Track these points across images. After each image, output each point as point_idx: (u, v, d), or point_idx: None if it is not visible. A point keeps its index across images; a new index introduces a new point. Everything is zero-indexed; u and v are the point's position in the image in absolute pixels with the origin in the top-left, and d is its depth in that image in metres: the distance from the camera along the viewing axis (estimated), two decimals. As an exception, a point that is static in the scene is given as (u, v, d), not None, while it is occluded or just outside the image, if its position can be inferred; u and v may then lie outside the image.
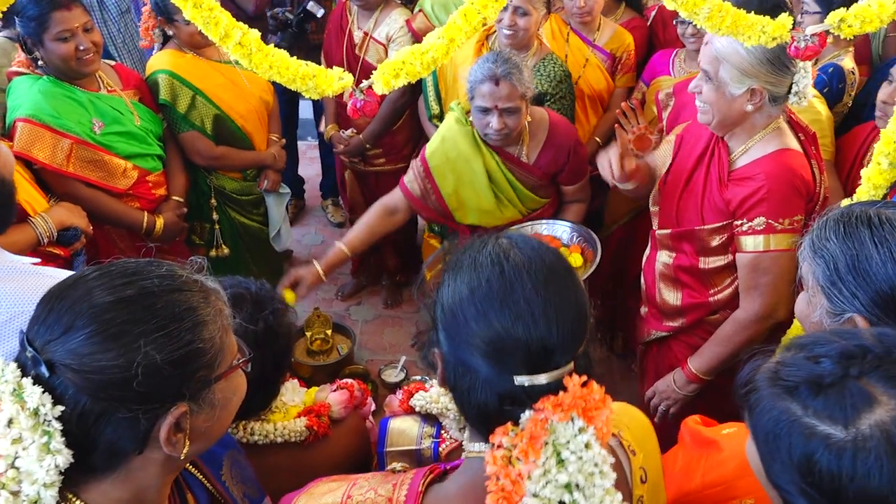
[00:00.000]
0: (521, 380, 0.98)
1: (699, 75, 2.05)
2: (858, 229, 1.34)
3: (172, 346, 0.98)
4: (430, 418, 1.82)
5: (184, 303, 1.02)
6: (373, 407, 1.96)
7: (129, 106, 2.81)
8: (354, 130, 3.58)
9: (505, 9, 2.70)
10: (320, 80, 1.66)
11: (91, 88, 2.71)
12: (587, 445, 0.96)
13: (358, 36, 3.41)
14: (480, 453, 1.03)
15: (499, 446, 0.96)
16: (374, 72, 1.69)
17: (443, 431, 1.79)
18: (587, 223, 2.78)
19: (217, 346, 1.04)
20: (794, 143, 2.07)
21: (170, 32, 3.03)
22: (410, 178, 2.76)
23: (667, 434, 1.71)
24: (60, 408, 0.95)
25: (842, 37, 1.71)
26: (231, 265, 3.36)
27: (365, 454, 1.82)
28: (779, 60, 1.89)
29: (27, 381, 0.95)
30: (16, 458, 0.93)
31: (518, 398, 0.98)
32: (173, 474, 1.11)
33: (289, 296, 2.43)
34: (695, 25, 1.67)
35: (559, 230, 2.67)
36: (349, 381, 1.87)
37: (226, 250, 3.37)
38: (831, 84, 2.78)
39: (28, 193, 2.43)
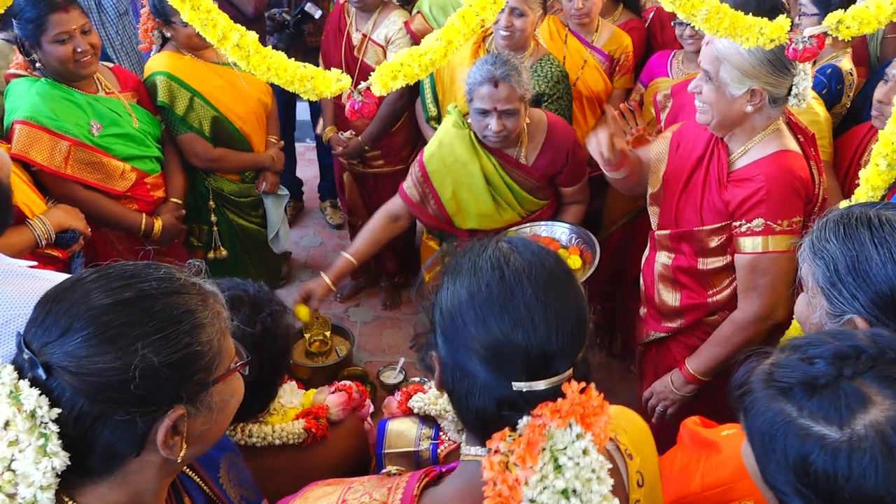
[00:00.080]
0: (520, 386, 0.97)
1: (699, 75, 2.05)
2: (858, 230, 1.34)
3: (170, 348, 0.98)
4: (428, 420, 1.82)
5: (182, 305, 1.02)
6: (371, 409, 1.95)
7: (127, 108, 2.81)
8: (353, 132, 3.58)
9: (501, 10, 2.71)
10: (318, 82, 1.66)
11: (89, 90, 2.71)
12: (585, 451, 0.96)
13: (356, 38, 3.41)
14: (477, 457, 1.03)
15: (496, 452, 0.96)
16: (372, 73, 1.69)
17: (441, 433, 1.78)
18: (586, 224, 2.78)
19: (215, 349, 1.04)
20: (793, 145, 2.07)
21: (168, 34, 3.03)
22: (409, 184, 2.77)
23: (665, 435, 1.71)
24: (57, 410, 0.95)
25: (840, 38, 1.71)
26: (229, 267, 3.36)
27: (363, 456, 1.81)
28: (779, 62, 1.90)
29: (24, 384, 0.95)
30: (12, 460, 0.93)
31: (516, 404, 0.98)
32: (170, 477, 1.11)
33: (302, 311, 2.47)
34: (693, 27, 1.67)
35: (558, 232, 2.67)
36: (347, 382, 1.87)
37: (224, 252, 3.37)
38: (830, 85, 2.78)
39: (26, 195, 2.43)
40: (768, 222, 2.02)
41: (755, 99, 1.96)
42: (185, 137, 3.06)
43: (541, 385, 0.97)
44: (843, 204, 1.78)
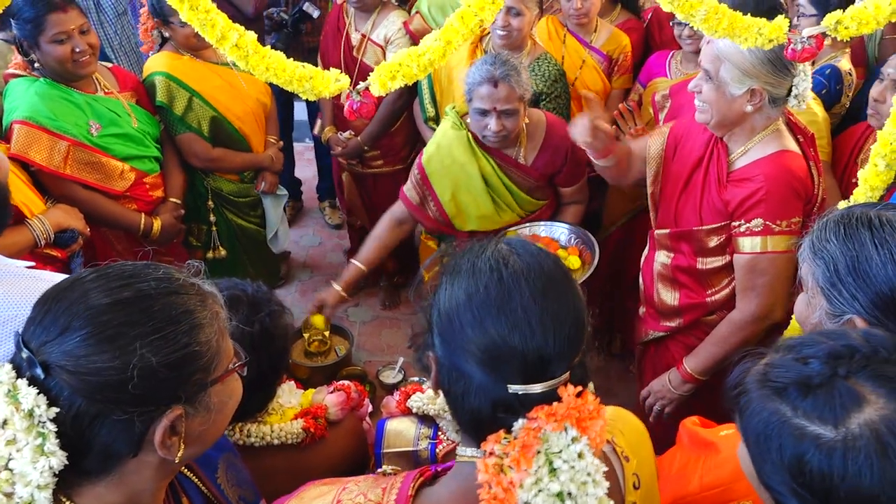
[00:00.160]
0: (516, 388, 0.97)
1: (699, 74, 2.05)
2: (859, 231, 1.34)
3: (168, 348, 0.98)
4: (427, 420, 1.82)
5: (180, 306, 1.02)
6: (370, 408, 1.95)
7: (126, 108, 2.81)
8: (352, 132, 3.57)
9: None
10: (317, 82, 1.66)
11: (88, 90, 2.71)
12: (580, 455, 0.95)
13: (355, 38, 3.41)
14: (473, 458, 1.02)
15: (491, 454, 0.95)
16: (371, 73, 1.69)
17: (440, 433, 1.78)
18: (585, 225, 2.79)
19: (213, 350, 1.04)
20: (793, 145, 2.07)
21: (166, 34, 3.03)
22: (409, 187, 2.78)
23: (664, 435, 1.71)
24: (55, 409, 0.95)
25: (838, 38, 1.71)
26: (228, 267, 3.36)
27: (362, 456, 1.81)
28: (780, 62, 1.90)
29: (22, 383, 0.95)
30: (10, 459, 0.93)
31: (511, 406, 0.98)
32: (168, 478, 1.10)
33: (318, 320, 2.54)
34: (691, 27, 1.67)
35: (557, 232, 2.68)
36: (346, 382, 1.86)
37: (223, 252, 3.37)
38: (829, 85, 2.78)
39: (25, 195, 2.42)
40: (767, 222, 2.02)
41: (755, 99, 1.96)
42: (184, 137, 3.06)
43: (536, 388, 0.97)
44: (842, 204, 1.78)
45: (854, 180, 1.89)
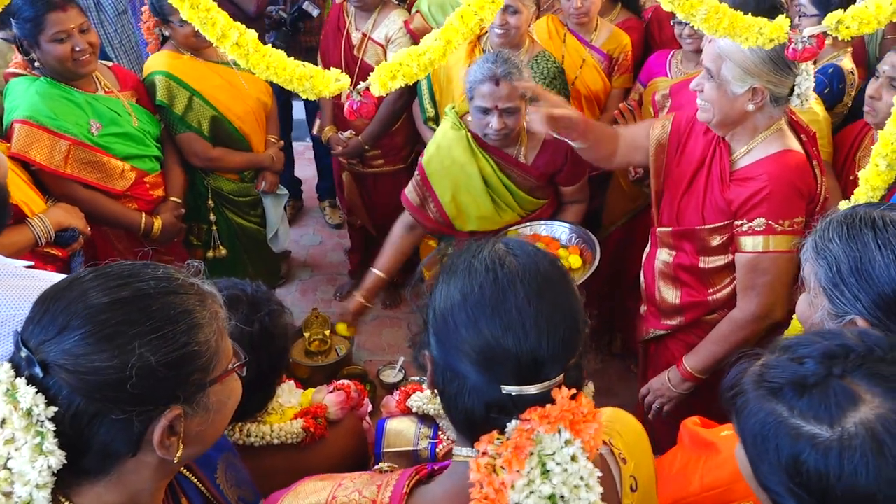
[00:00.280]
0: (509, 389, 0.97)
1: (701, 73, 2.05)
2: (862, 231, 1.33)
3: (167, 348, 0.98)
4: (427, 419, 1.82)
5: (179, 305, 1.02)
6: (369, 408, 1.95)
7: (126, 107, 2.81)
8: (353, 132, 3.57)
9: (496, 8, 2.71)
10: (317, 81, 1.66)
11: (88, 89, 2.71)
12: (573, 458, 0.95)
13: (356, 37, 3.41)
14: (468, 458, 1.02)
15: (483, 454, 0.95)
16: (371, 73, 1.68)
17: (440, 432, 1.78)
18: (586, 224, 2.78)
19: (212, 350, 1.04)
20: (795, 145, 2.07)
21: (167, 33, 3.03)
22: (410, 189, 2.79)
23: (664, 435, 1.71)
24: (54, 408, 0.95)
25: (839, 38, 1.71)
26: (228, 266, 3.36)
27: (362, 455, 1.81)
28: (781, 60, 1.90)
29: (21, 382, 0.95)
30: (8, 458, 0.93)
31: (505, 407, 0.98)
32: (167, 478, 1.10)
33: (341, 328, 2.64)
34: (692, 26, 1.67)
35: (558, 231, 2.68)
36: (346, 382, 1.86)
37: (223, 251, 3.37)
38: (832, 85, 2.78)
39: (25, 195, 2.43)
40: (770, 222, 2.02)
41: (756, 98, 1.96)
42: (184, 137, 3.06)
43: (530, 390, 0.97)
44: (843, 204, 1.78)
45: (852, 178, 1.89)
